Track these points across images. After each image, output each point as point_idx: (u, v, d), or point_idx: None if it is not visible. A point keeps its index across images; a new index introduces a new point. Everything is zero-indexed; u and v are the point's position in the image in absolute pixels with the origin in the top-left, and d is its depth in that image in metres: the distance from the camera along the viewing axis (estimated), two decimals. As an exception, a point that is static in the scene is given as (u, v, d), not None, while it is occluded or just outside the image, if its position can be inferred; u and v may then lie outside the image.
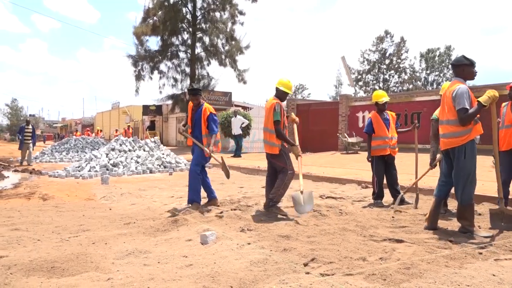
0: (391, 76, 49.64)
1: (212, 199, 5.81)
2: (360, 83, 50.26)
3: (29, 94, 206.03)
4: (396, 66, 48.77)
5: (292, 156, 5.20)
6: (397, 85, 49.42)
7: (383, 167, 5.97)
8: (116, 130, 31.18)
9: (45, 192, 7.51)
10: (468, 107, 3.90)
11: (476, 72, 4.16)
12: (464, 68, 4.12)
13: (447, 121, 4.09)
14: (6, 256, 3.42)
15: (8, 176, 10.98)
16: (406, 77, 49.12)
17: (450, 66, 4.77)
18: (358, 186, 7.77)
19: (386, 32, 48.83)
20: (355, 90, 48.01)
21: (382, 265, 3.08)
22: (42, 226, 4.71)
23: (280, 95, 5.24)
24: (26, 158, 14.91)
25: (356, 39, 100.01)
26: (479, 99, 3.97)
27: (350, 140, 15.18)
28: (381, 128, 5.96)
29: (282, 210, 5.13)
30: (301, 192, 4.83)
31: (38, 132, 15.72)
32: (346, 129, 16.73)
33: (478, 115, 3.99)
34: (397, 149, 6.10)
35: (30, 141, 14.98)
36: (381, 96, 6.05)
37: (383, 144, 5.92)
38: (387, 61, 48.96)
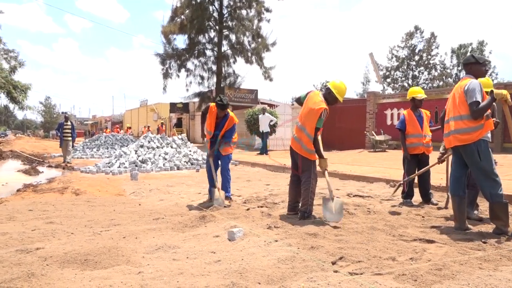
0: (420, 73, 48.33)
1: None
2: (388, 80, 49.16)
3: (62, 92, 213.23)
4: (426, 62, 47.46)
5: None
6: (427, 82, 48.09)
7: (415, 166, 5.83)
8: (148, 127, 31.71)
9: (77, 187, 7.75)
10: (480, 101, 3.90)
11: (487, 71, 4.11)
12: (471, 67, 4.19)
13: (460, 117, 4.05)
14: (42, 248, 3.55)
15: (42, 171, 11.41)
16: (436, 74, 47.74)
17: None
18: (386, 185, 7.64)
19: (416, 28, 47.53)
20: (383, 87, 47.00)
21: (413, 266, 3.02)
22: (75, 220, 4.87)
23: (330, 98, 4.71)
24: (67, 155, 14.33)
25: (385, 35, 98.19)
26: (492, 90, 4.00)
27: (378, 138, 14.92)
28: (414, 125, 5.81)
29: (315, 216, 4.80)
30: (332, 200, 4.49)
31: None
32: (373, 126, 16.46)
33: (489, 111, 3.98)
34: (431, 147, 5.93)
35: (70, 138, 14.28)
36: (418, 92, 5.90)
37: (417, 142, 5.78)
38: (416, 58, 47.70)
